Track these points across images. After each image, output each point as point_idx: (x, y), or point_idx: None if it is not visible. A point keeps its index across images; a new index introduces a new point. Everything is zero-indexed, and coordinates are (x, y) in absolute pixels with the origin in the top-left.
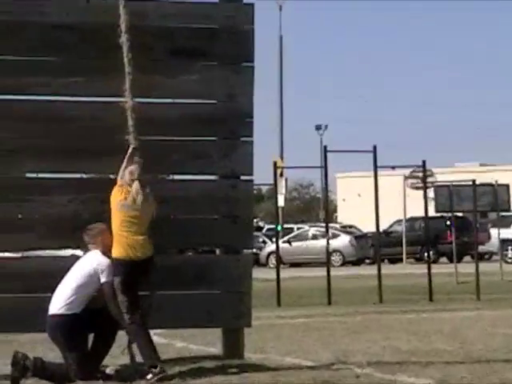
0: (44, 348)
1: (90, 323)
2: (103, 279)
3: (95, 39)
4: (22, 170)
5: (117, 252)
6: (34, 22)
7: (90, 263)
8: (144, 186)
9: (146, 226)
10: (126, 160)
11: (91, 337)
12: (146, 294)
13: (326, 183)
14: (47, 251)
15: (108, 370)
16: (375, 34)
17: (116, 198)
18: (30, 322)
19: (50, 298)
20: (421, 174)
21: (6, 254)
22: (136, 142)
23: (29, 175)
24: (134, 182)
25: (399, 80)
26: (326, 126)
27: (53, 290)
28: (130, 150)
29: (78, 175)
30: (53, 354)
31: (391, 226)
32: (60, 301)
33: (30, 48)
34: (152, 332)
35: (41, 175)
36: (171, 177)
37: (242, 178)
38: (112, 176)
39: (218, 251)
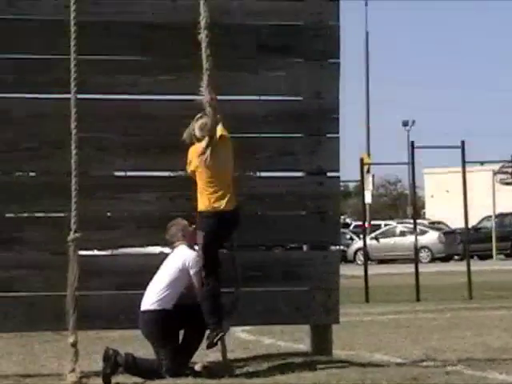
0: (134, 345)
1: (181, 319)
2: (192, 271)
3: (181, 38)
4: (111, 168)
5: (201, 205)
6: (122, 22)
7: (178, 258)
8: (214, 141)
9: (227, 179)
10: None
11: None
12: (233, 290)
13: (414, 179)
14: (136, 249)
15: (197, 367)
16: (464, 22)
17: (194, 155)
18: (120, 319)
19: (139, 295)
20: (510, 170)
21: (96, 252)
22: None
23: (117, 174)
24: (205, 139)
25: (488, 71)
26: (414, 122)
27: (142, 287)
28: None
29: (165, 173)
30: (143, 351)
31: (480, 222)
32: (153, 297)
33: (119, 47)
34: (240, 328)
35: (129, 173)
36: (258, 174)
37: (329, 174)
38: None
39: (305, 248)
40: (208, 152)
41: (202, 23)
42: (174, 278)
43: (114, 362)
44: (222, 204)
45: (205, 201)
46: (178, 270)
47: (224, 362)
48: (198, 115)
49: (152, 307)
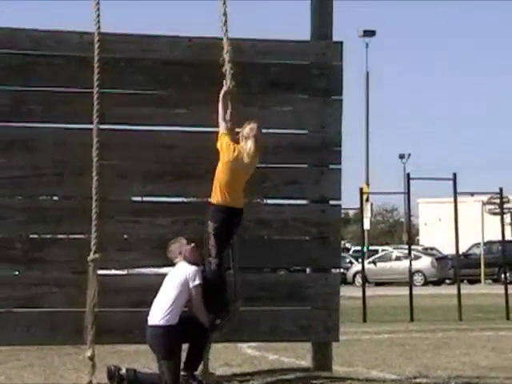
0: (147, 359)
1: (184, 333)
2: (191, 284)
3: (196, 74)
4: (130, 193)
5: (217, 199)
6: (141, 58)
7: (179, 274)
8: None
9: (244, 183)
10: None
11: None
12: (235, 300)
13: (409, 208)
14: (151, 269)
15: (200, 377)
16: (452, 60)
17: (228, 152)
18: (135, 334)
19: None
20: (498, 201)
21: (113, 271)
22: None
23: (134, 199)
24: (251, 139)
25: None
26: (409, 155)
27: None
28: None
29: (179, 199)
30: (155, 364)
31: (470, 249)
32: (159, 313)
33: (140, 82)
34: (247, 345)
35: (145, 199)
36: (265, 201)
37: (331, 202)
38: (210, 199)
39: (308, 270)
40: (246, 154)
41: (226, 56)
42: (177, 294)
43: (118, 378)
44: (236, 202)
45: (222, 196)
46: (180, 285)
47: (204, 371)
48: (248, 122)
49: (160, 323)
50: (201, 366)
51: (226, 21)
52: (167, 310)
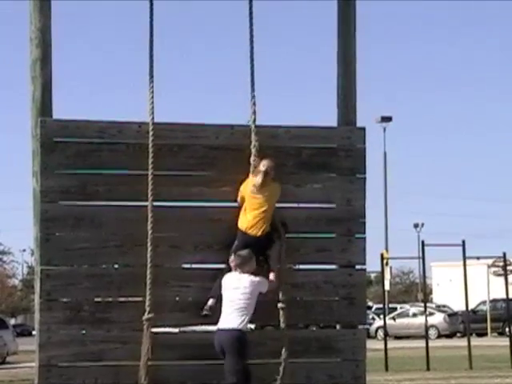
0: None
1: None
2: (264, 290)
3: (238, 157)
4: (180, 261)
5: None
6: (191, 144)
7: (248, 285)
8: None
9: (264, 213)
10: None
11: None
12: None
13: (424, 271)
14: (200, 327)
15: None
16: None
17: (246, 186)
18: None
19: (202, 366)
20: (502, 264)
21: (167, 329)
22: None
23: (185, 266)
24: (260, 174)
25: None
26: (423, 224)
27: (204, 358)
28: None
29: (225, 265)
30: None
31: (478, 306)
32: (235, 318)
33: (190, 165)
34: None
35: (194, 265)
36: (299, 266)
37: (357, 267)
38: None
39: (338, 326)
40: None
41: (253, 151)
42: (249, 303)
43: None
44: (252, 229)
45: (242, 221)
46: (251, 296)
47: None
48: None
49: (239, 327)
50: None
51: (254, 120)
52: (242, 317)
